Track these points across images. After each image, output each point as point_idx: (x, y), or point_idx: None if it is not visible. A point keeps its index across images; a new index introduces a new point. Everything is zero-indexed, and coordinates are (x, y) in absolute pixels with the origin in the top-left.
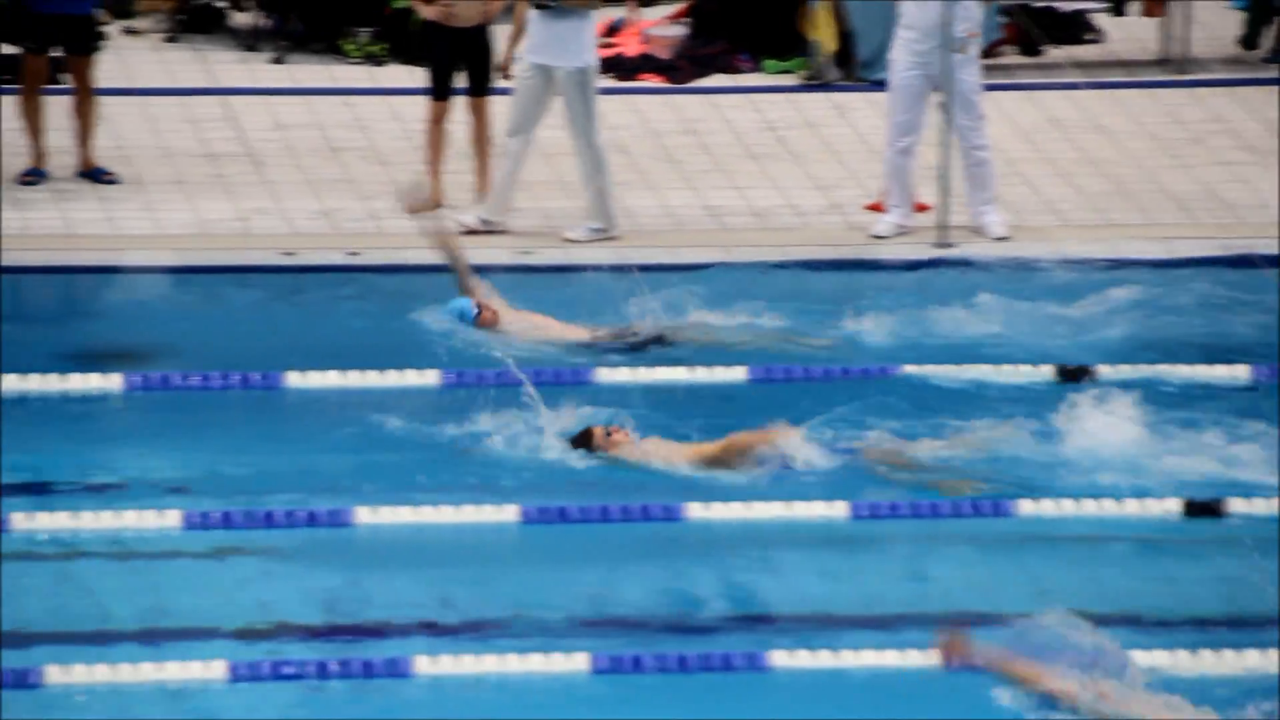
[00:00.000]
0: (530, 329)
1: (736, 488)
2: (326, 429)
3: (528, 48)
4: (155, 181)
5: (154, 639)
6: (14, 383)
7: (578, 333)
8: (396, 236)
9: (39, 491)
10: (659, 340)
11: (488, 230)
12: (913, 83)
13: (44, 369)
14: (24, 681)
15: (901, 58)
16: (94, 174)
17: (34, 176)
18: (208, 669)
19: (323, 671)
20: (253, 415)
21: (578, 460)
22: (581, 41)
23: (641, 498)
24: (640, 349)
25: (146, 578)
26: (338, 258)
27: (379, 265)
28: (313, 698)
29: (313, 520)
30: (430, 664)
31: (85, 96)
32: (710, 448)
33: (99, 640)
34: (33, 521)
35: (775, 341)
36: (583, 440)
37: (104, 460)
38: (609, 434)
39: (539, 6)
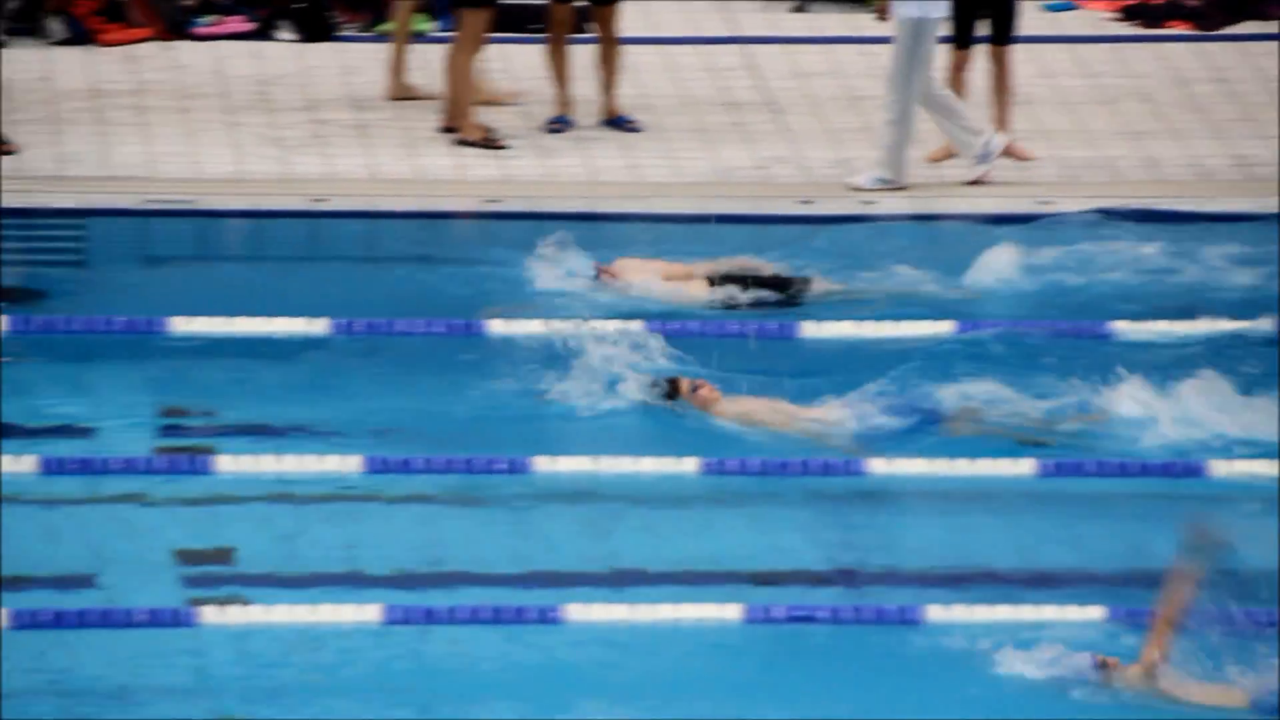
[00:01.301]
0: (652, 281)
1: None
2: None
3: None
4: (675, 130)
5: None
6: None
7: (696, 285)
8: (914, 187)
9: None
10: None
11: (888, 189)
12: None
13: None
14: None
15: None
16: (617, 121)
17: (560, 124)
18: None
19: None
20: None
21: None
22: None
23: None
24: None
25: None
26: (852, 207)
27: (895, 215)
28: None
29: None
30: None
31: (609, 45)
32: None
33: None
34: None
35: None
36: (670, 390)
37: None
38: (695, 388)
39: None
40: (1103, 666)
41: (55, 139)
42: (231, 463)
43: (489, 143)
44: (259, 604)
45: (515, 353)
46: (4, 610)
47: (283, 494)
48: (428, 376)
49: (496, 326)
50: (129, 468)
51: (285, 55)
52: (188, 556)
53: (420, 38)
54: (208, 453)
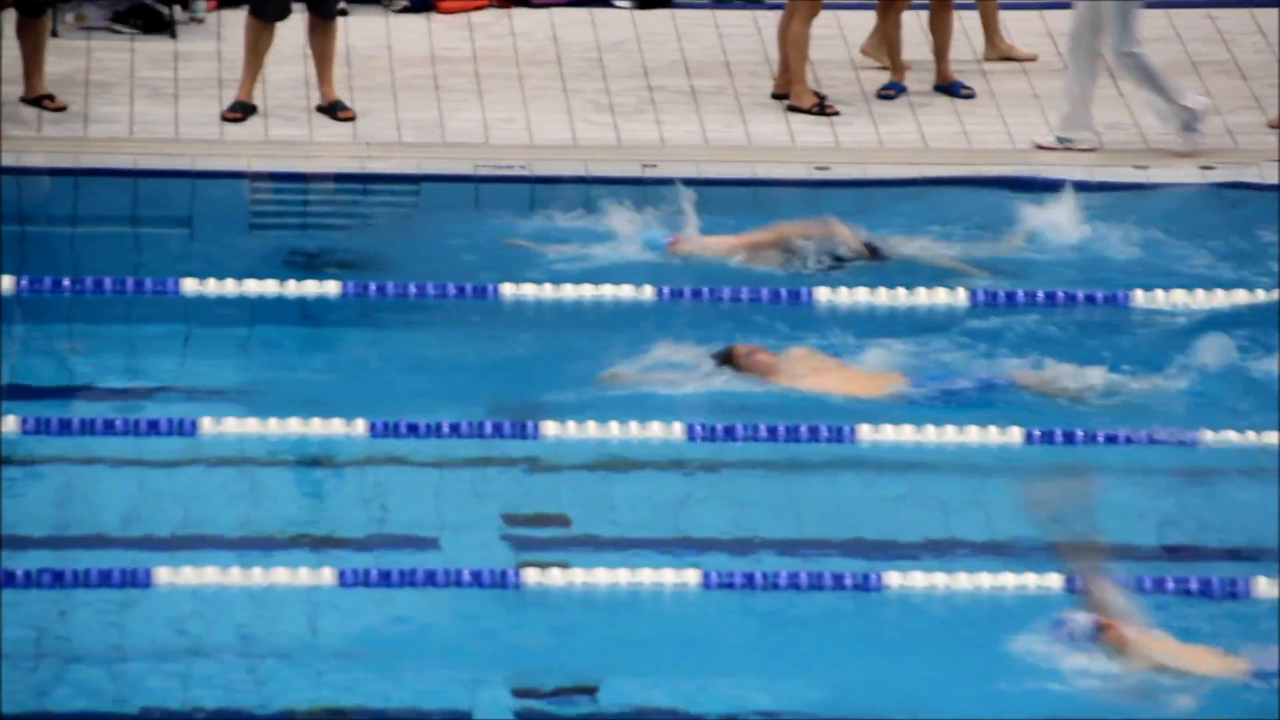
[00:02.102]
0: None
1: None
2: None
3: None
4: (1009, 94)
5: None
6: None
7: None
8: (1247, 152)
9: None
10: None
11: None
12: None
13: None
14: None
15: None
16: (950, 88)
17: (892, 90)
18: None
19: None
20: None
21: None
22: None
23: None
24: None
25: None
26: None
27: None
28: None
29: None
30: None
31: (942, 11)
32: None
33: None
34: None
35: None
36: (726, 358)
37: None
38: (750, 353)
39: None
40: (1104, 629)
41: (393, 105)
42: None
43: (821, 109)
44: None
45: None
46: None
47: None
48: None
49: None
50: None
51: (620, 22)
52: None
53: None
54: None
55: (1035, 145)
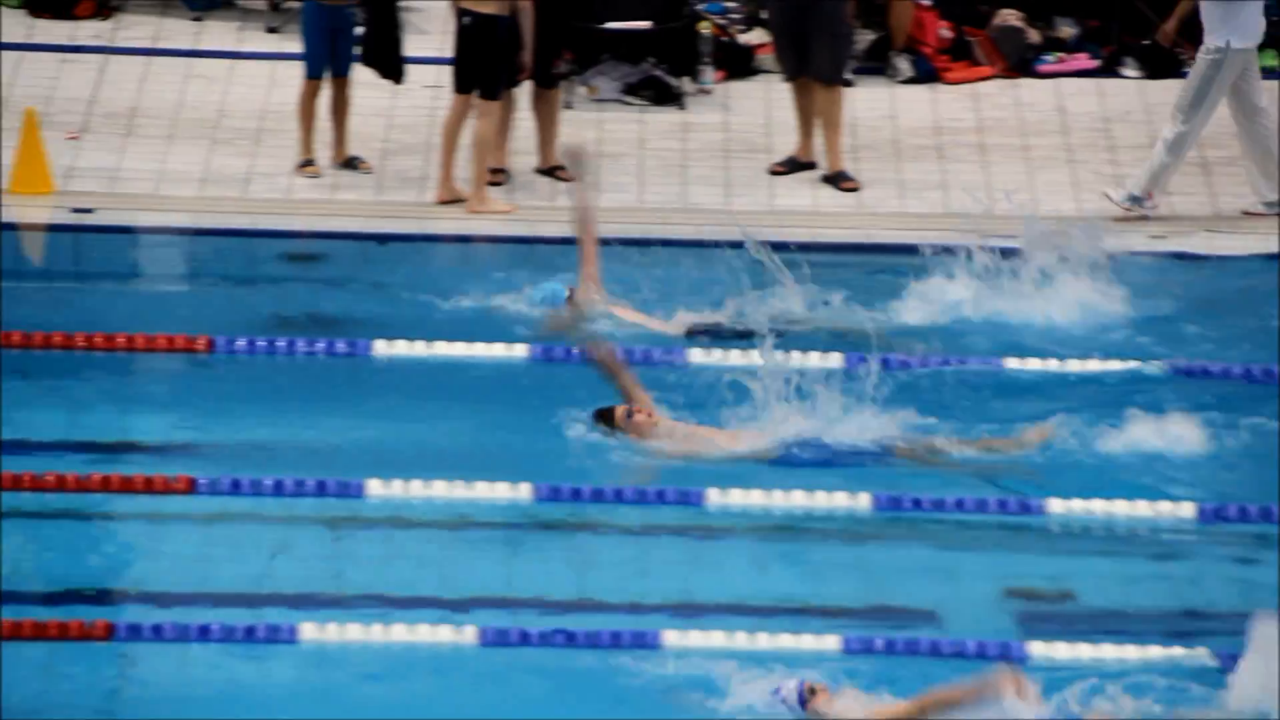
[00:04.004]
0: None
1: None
2: None
3: None
4: None
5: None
6: None
7: (661, 325)
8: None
9: None
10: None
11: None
12: None
13: None
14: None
15: None
16: None
17: None
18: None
19: None
20: None
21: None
22: (1213, 19)
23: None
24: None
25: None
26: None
27: None
28: None
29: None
30: None
31: None
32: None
33: None
34: None
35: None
36: (604, 418)
37: None
38: (630, 414)
39: None
40: (811, 694)
41: (898, 173)
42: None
43: None
44: None
45: None
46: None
47: None
48: None
49: None
50: None
51: (1128, 92)
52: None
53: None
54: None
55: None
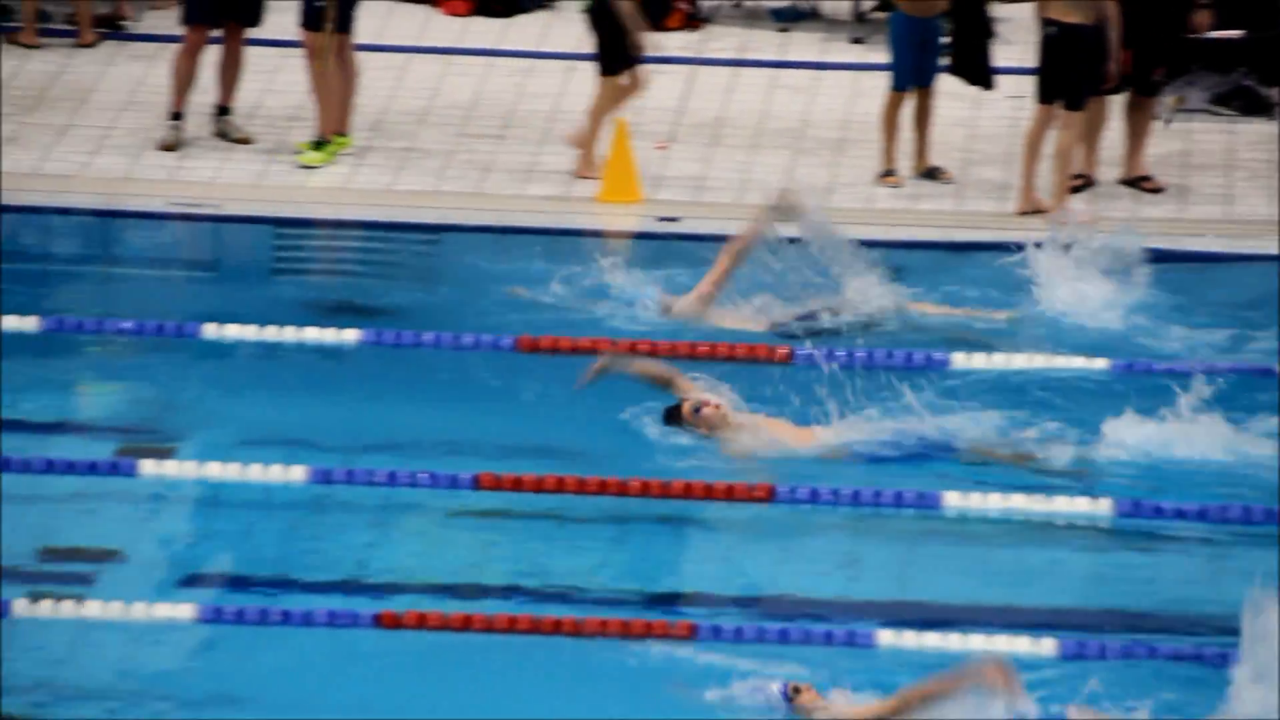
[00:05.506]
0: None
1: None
2: None
3: None
4: None
5: None
6: None
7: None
8: None
9: None
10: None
11: None
12: None
13: None
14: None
15: None
16: None
17: None
18: None
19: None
20: None
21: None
22: None
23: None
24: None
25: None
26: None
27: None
28: None
29: None
30: None
31: None
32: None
33: None
34: None
35: None
36: (673, 417)
37: None
38: (698, 409)
39: None
40: (795, 693)
41: None
42: None
43: None
44: None
45: None
46: None
47: None
48: None
49: None
50: None
51: None
52: None
53: None
54: None
55: None
